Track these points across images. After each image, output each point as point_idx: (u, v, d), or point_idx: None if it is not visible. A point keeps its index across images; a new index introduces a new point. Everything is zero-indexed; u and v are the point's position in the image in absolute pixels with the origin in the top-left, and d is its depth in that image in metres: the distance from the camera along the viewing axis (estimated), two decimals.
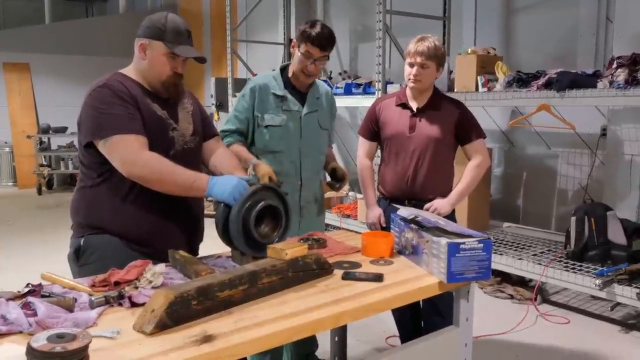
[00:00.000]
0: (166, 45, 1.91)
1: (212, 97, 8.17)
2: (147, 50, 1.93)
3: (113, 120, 1.84)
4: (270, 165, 2.46)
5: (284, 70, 2.61)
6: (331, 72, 6.54)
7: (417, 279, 1.84)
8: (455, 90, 4.45)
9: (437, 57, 2.54)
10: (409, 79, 2.58)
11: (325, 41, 2.41)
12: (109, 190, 1.92)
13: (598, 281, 3.38)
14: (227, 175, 1.92)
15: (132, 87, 1.93)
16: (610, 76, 3.53)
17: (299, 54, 2.45)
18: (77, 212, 2.00)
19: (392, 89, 4.75)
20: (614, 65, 3.55)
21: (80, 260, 1.96)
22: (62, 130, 9.20)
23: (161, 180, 1.86)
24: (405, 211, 2.18)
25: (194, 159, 2.09)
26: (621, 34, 4.07)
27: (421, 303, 2.76)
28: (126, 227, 1.93)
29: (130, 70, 2.00)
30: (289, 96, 2.54)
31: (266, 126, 2.52)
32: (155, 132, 1.92)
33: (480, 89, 4.25)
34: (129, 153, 1.84)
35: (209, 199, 1.93)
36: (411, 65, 2.56)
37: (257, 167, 2.38)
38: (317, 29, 2.41)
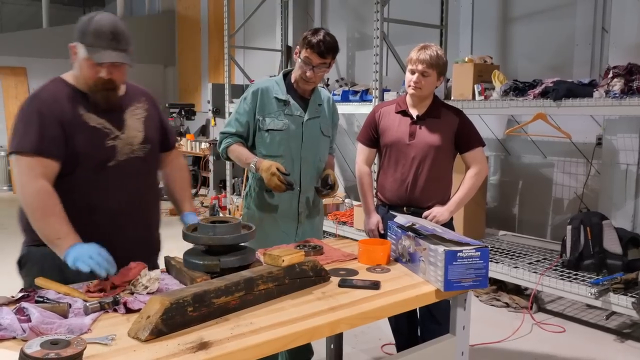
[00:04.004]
0: (85, 50, 1.79)
1: (209, 102, 8.18)
2: (76, 53, 1.84)
3: (23, 136, 1.77)
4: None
5: (286, 75, 2.61)
6: (328, 79, 6.55)
7: (414, 286, 1.84)
8: (452, 98, 4.46)
9: (439, 66, 2.54)
10: (410, 86, 2.58)
11: (324, 48, 2.40)
12: None
13: (593, 290, 3.38)
14: (87, 247, 1.71)
15: (65, 96, 1.84)
16: (606, 86, 3.55)
17: (300, 60, 2.46)
18: (20, 220, 1.91)
19: (389, 96, 4.75)
20: (610, 75, 3.57)
21: (22, 271, 1.91)
22: None
23: (32, 219, 1.77)
24: (402, 219, 2.18)
25: (143, 168, 1.97)
26: (617, 44, 4.09)
27: (418, 311, 2.75)
28: None
29: (70, 75, 1.91)
30: (292, 101, 2.54)
31: (267, 130, 2.51)
32: (88, 144, 1.82)
33: (477, 97, 4.27)
34: (22, 177, 1.76)
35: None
36: (412, 72, 2.57)
37: (260, 165, 2.40)
38: (319, 36, 2.41)
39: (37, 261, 1.86)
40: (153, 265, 1.96)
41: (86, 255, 1.67)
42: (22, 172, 1.77)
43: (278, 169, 2.35)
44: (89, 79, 1.83)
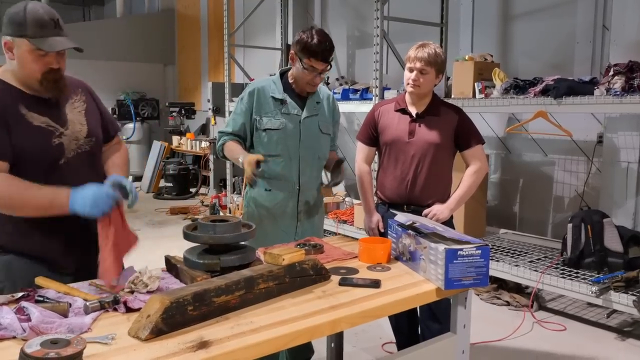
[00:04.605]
0: (30, 42, 1.71)
1: (209, 101, 8.18)
2: (13, 49, 1.74)
3: None
4: (269, 169, 2.46)
5: (283, 74, 2.60)
6: (328, 77, 6.55)
7: (414, 285, 1.84)
8: (452, 96, 4.46)
9: (437, 64, 2.54)
10: (408, 84, 2.58)
11: (328, 53, 2.40)
12: None
13: (594, 288, 3.38)
14: (86, 186, 1.72)
15: (4, 95, 1.76)
16: (607, 83, 3.54)
17: (302, 68, 2.42)
18: None
19: (389, 94, 4.75)
20: (611, 73, 3.56)
21: None
22: None
23: (13, 206, 1.70)
24: (402, 217, 2.18)
25: (91, 162, 1.93)
26: (617, 42, 4.09)
27: (418, 309, 2.75)
28: (22, 245, 1.80)
29: (4, 73, 1.81)
30: (289, 99, 2.53)
31: (264, 129, 2.51)
32: (34, 144, 1.76)
33: (478, 95, 4.26)
34: None
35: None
36: (410, 70, 2.57)
37: (245, 158, 2.37)
38: (316, 41, 2.37)
39: (1, 269, 1.82)
40: None
41: (90, 203, 1.68)
42: None
43: (259, 161, 2.30)
44: (37, 72, 1.75)
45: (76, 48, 1.80)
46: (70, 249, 1.86)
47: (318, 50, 2.37)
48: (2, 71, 1.82)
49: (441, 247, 1.78)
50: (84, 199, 1.69)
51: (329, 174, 2.64)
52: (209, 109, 8.13)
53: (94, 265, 1.77)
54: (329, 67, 2.46)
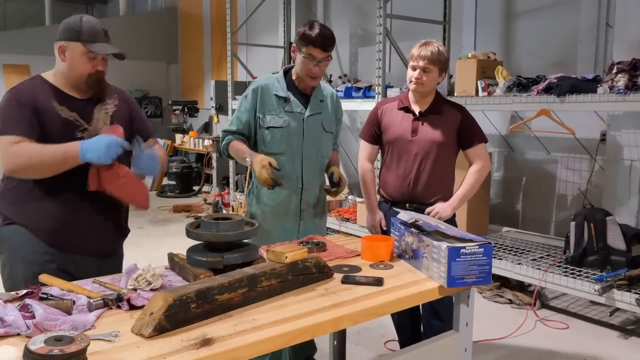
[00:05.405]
0: (84, 45, 1.98)
1: (211, 99, 8.18)
2: (66, 52, 2.00)
3: (4, 120, 1.93)
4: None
5: (287, 72, 2.60)
6: (331, 75, 6.55)
7: (417, 283, 1.84)
8: (455, 94, 4.46)
9: (440, 62, 2.54)
10: (411, 82, 2.58)
11: (326, 41, 2.40)
12: (13, 182, 1.99)
13: (597, 286, 3.38)
14: (98, 136, 1.93)
15: (41, 90, 1.99)
16: (610, 81, 3.53)
17: (302, 57, 2.43)
18: None
19: (392, 92, 4.75)
20: (614, 71, 3.55)
21: None
22: None
23: (31, 164, 1.88)
24: (405, 215, 2.18)
25: None
26: (621, 40, 4.08)
27: (420, 307, 2.75)
28: (32, 218, 1.98)
29: (49, 73, 2.07)
30: (292, 97, 2.53)
31: (268, 127, 2.50)
32: (59, 134, 1.95)
33: (480, 93, 4.26)
34: (4, 151, 1.90)
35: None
36: (414, 68, 2.57)
37: (254, 158, 2.37)
38: (317, 30, 2.40)
39: (6, 239, 1.99)
40: (119, 249, 2.20)
41: (102, 150, 1.88)
42: (3, 149, 1.90)
43: (270, 164, 2.33)
44: (85, 72, 2.00)
45: (119, 54, 2.06)
46: (76, 229, 2.00)
47: (316, 37, 2.39)
48: (49, 73, 2.07)
49: (444, 245, 1.78)
50: (96, 144, 1.88)
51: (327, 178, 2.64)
52: (212, 107, 8.14)
53: (102, 249, 2.01)
54: (329, 58, 2.45)
